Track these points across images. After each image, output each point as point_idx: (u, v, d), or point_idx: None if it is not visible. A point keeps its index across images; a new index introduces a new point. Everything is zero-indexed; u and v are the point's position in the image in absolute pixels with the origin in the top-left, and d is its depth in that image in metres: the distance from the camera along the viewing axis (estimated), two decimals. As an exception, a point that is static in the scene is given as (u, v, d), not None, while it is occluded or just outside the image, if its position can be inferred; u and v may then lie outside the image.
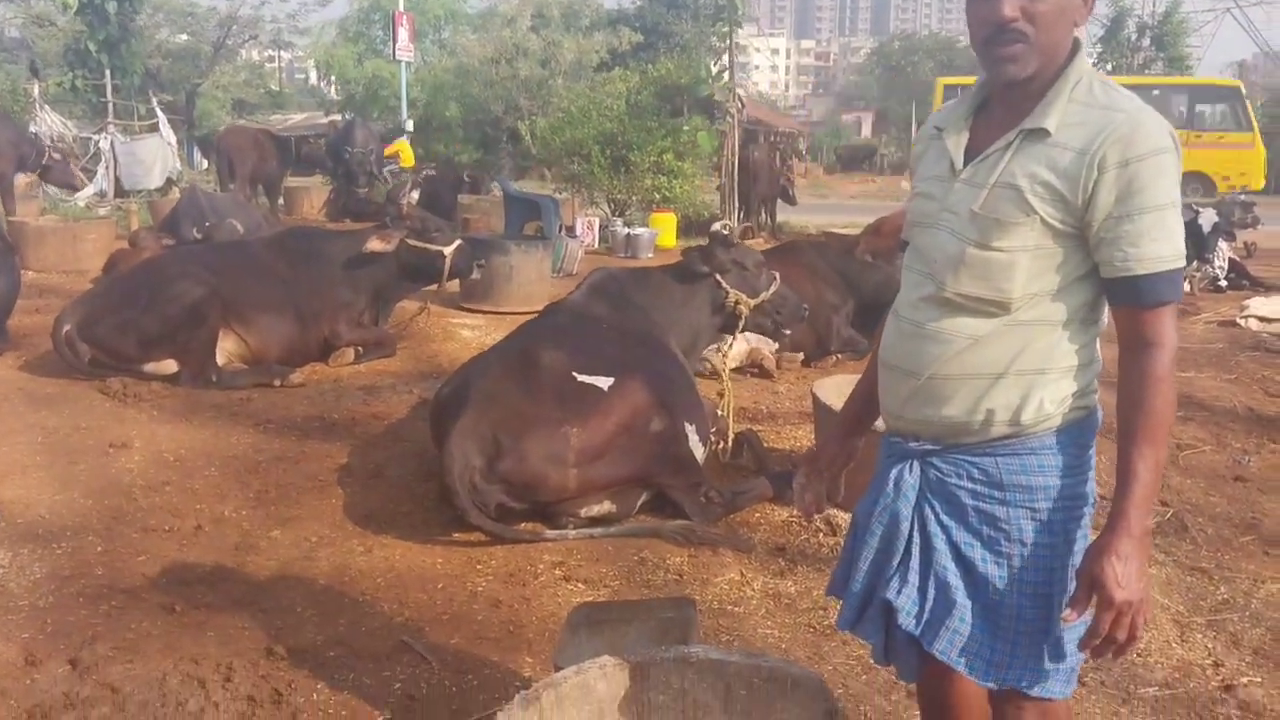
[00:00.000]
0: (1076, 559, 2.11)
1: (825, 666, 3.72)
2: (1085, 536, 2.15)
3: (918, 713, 3.44)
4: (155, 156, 20.03)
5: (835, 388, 5.38)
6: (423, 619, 3.93)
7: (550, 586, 4.23)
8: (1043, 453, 2.13)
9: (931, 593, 2.19)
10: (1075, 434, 2.15)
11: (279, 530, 4.69)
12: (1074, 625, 2.10)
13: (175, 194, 16.05)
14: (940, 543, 2.19)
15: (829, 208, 25.97)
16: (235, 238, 9.92)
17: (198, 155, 30.66)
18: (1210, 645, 3.95)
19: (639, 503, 4.87)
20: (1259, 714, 3.51)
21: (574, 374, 4.71)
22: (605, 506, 4.73)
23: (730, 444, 5.71)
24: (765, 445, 5.86)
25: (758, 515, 5.05)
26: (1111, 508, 2.00)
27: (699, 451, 5.04)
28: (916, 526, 2.22)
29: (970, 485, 2.16)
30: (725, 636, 3.87)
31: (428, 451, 5.50)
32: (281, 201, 19.12)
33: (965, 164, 2.14)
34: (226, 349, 7.16)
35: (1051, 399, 2.11)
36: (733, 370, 7.38)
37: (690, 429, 4.94)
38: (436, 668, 3.59)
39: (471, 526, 4.50)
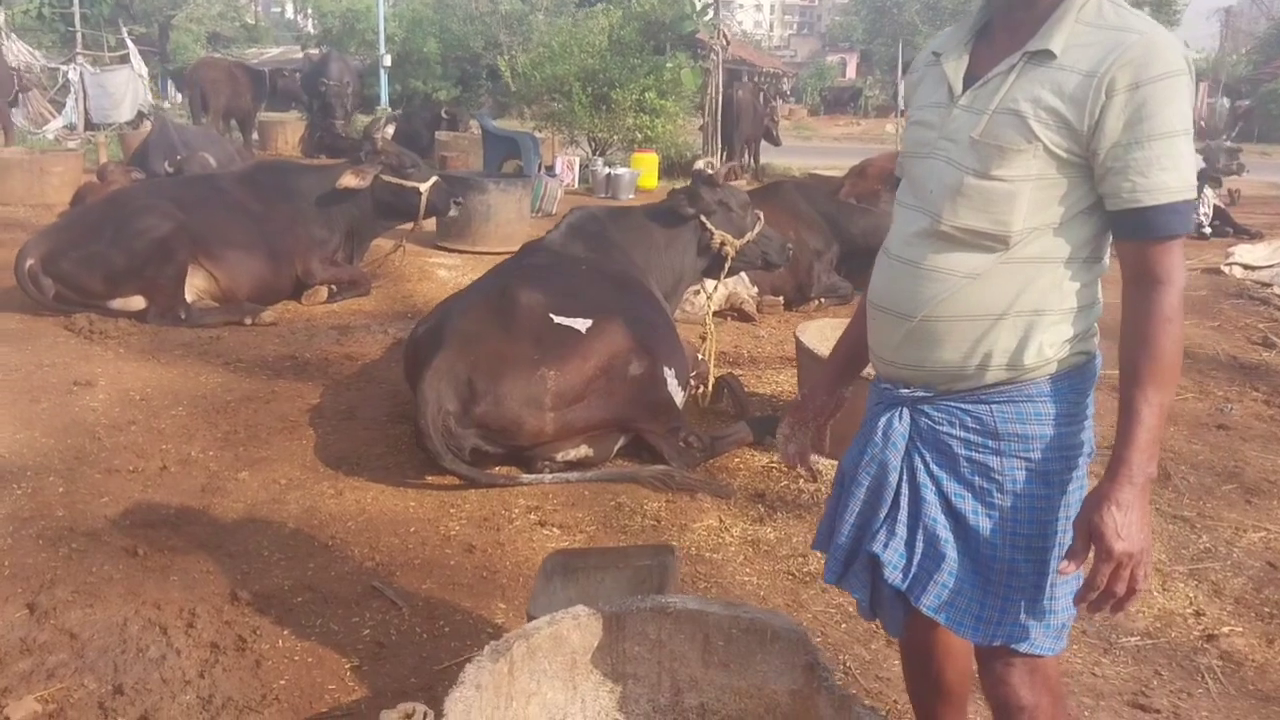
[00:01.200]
0: (1073, 511, 2.02)
1: (804, 614, 3.65)
2: (1083, 487, 2.06)
3: (899, 662, 3.41)
4: (126, 89, 19.58)
5: (819, 332, 5.28)
6: (394, 564, 3.84)
7: (525, 532, 4.14)
8: (1039, 400, 2.02)
9: (919, 546, 2.10)
10: (1074, 380, 2.05)
11: (247, 472, 4.57)
12: (1068, 579, 2.02)
13: (146, 127, 15.68)
14: (930, 494, 2.09)
15: (812, 150, 25.78)
16: (207, 172, 9.68)
17: (172, 89, 30.06)
18: (1192, 594, 3.91)
19: (616, 447, 4.78)
20: (1240, 663, 3.47)
21: (551, 316, 4.59)
22: (582, 451, 4.63)
23: (711, 388, 5.62)
24: (746, 390, 5.77)
25: (737, 461, 4.97)
26: (1112, 454, 1.90)
27: (678, 396, 4.94)
28: (905, 477, 2.12)
29: (963, 434, 2.06)
30: (703, 584, 3.80)
31: (402, 393, 5.39)
32: (256, 136, 18.75)
33: (964, 89, 2.01)
34: (196, 286, 6.99)
35: (1051, 342, 2.00)
36: (713, 314, 7.27)
37: (669, 373, 4.83)
38: (407, 614, 3.50)
39: (445, 470, 4.40)
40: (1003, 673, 2.11)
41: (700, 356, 5.69)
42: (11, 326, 6.50)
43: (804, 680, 2.46)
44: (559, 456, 4.58)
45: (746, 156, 17.96)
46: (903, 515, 2.12)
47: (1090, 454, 2.09)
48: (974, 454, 2.05)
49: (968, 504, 2.06)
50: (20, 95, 15.09)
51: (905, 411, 2.14)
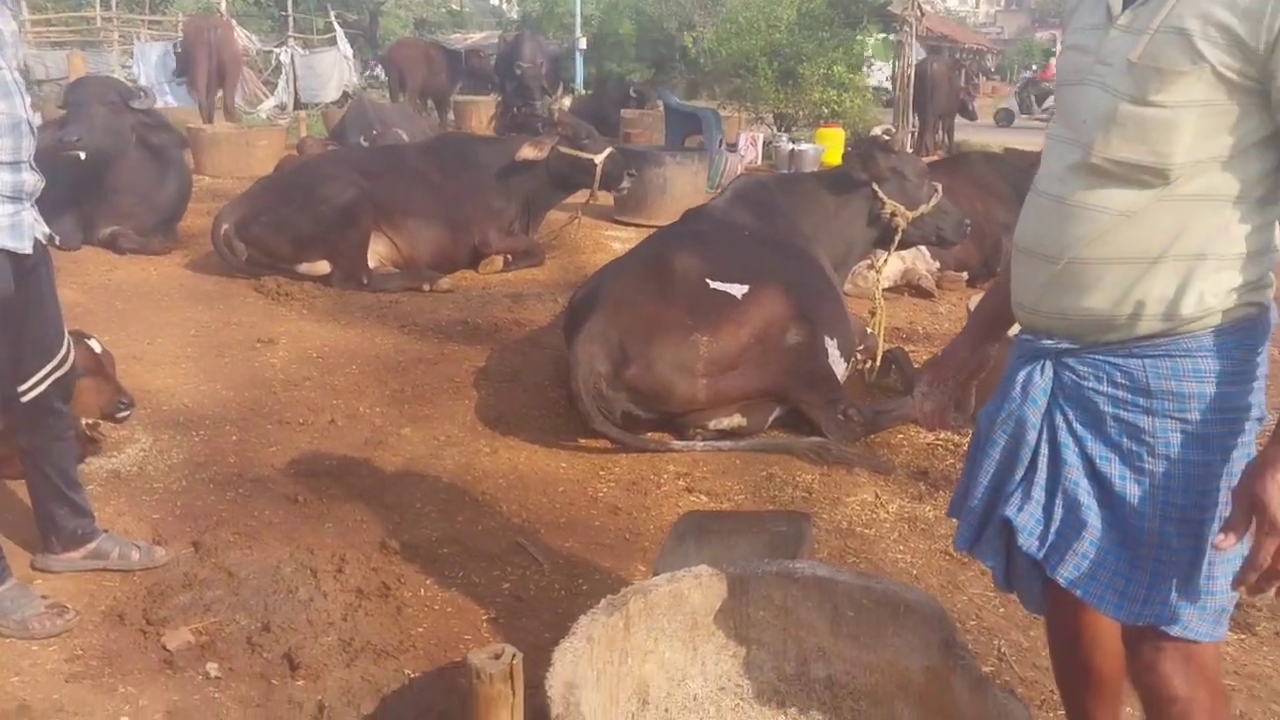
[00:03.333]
0: (1235, 481, 1.81)
1: (960, 597, 3.47)
2: (1249, 455, 1.84)
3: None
4: (332, 70, 20.51)
5: (993, 304, 4.99)
6: (540, 521, 3.85)
7: (673, 497, 4.08)
8: (1199, 355, 1.81)
9: (1058, 511, 1.92)
10: (1241, 335, 1.83)
11: (410, 428, 4.68)
12: (1229, 557, 1.81)
13: (348, 106, 16.38)
14: (1071, 455, 1.91)
15: (1015, 129, 24.68)
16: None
17: (381, 73, 31.38)
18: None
19: (771, 418, 4.66)
20: None
21: (707, 281, 4.50)
22: (735, 420, 4.54)
23: (878, 363, 5.41)
24: (915, 366, 5.53)
25: (900, 437, 4.77)
26: None
27: (840, 368, 4.77)
28: (1045, 436, 1.95)
29: (1110, 390, 1.87)
30: (852, 558, 3.65)
31: (565, 359, 5.40)
32: (451, 116, 19.31)
33: (1124, 8, 1.81)
34: (378, 252, 7.22)
35: (1214, 291, 1.79)
36: (889, 290, 7.01)
37: (831, 343, 4.67)
38: (547, 570, 3.51)
39: (598, 433, 4.38)
40: (1152, 659, 1.91)
41: (869, 330, 5.48)
42: (208, 288, 6.89)
43: (939, 658, 2.31)
44: (711, 424, 4.50)
45: (940, 132, 17.32)
46: (1040, 477, 1.95)
47: (1261, 419, 1.87)
48: (1122, 413, 1.86)
49: (1114, 468, 1.88)
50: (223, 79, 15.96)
51: (1048, 365, 1.96)
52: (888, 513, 4.03)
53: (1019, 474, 1.97)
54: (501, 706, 1.75)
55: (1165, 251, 1.79)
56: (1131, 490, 1.86)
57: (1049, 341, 1.95)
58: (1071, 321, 1.90)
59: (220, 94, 15.53)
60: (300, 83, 20.07)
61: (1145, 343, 1.84)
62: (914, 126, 15.85)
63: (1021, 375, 1.98)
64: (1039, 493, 1.94)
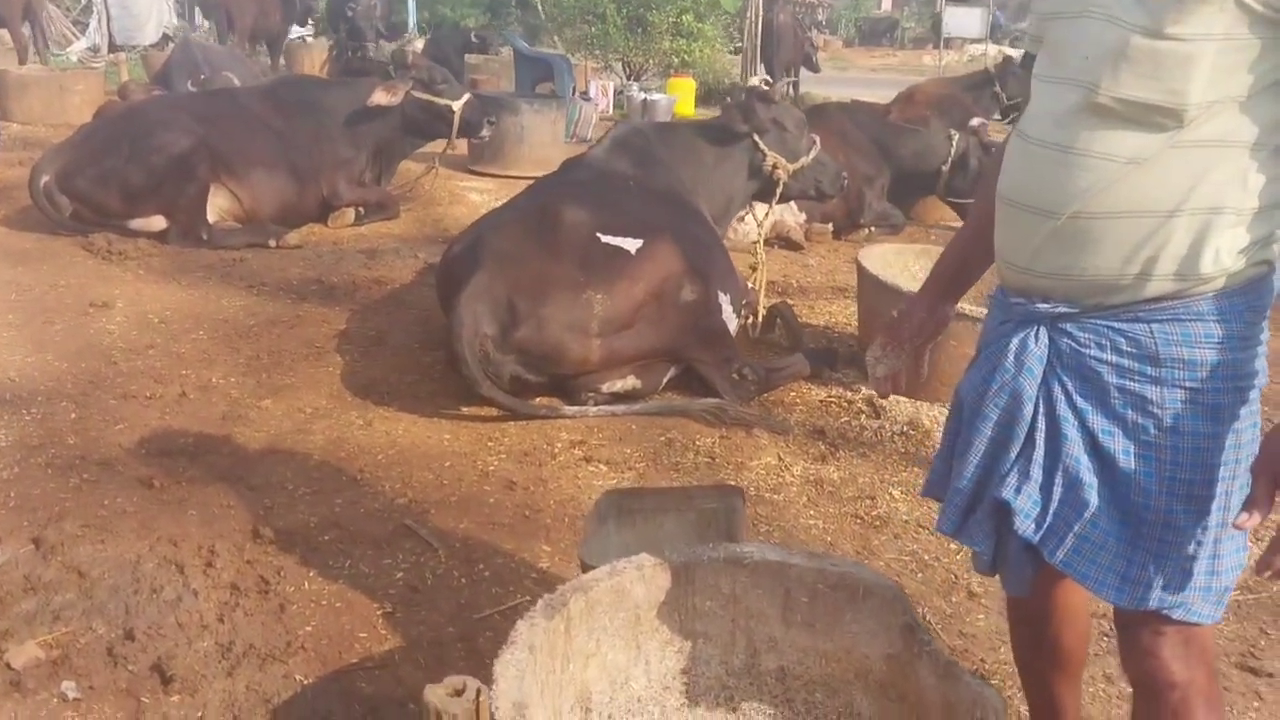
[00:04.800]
0: (1244, 454, 1.69)
1: (875, 562, 3.35)
2: (1256, 424, 1.73)
3: (982, 616, 3.11)
4: (149, 10, 19.13)
5: (882, 257, 4.92)
6: (428, 501, 3.55)
7: (569, 467, 3.84)
8: (1209, 319, 1.67)
9: (1057, 492, 1.77)
10: (1251, 296, 1.70)
11: (270, 400, 4.29)
12: (1234, 535, 1.69)
13: (170, 49, 15.27)
14: (1072, 429, 1.75)
15: (850, 81, 24.99)
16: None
17: (199, 16, 29.58)
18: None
19: (666, 378, 4.46)
20: (1355, 622, 3.15)
21: (598, 235, 4.23)
22: (630, 382, 4.31)
23: (762, 319, 5.26)
24: (799, 321, 5.41)
25: (793, 394, 4.63)
26: None
27: (731, 324, 4.60)
28: (1042, 410, 1.78)
29: (1115, 359, 1.72)
30: (765, 527, 3.50)
31: (434, 318, 5.08)
32: (283, 60, 18.28)
33: None
34: (218, 205, 6.66)
35: (1229, 248, 1.65)
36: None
37: (724, 298, 4.49)
38: (443, 555, 3.22)
39: (482, 399, 4.10)
40: (1151, 643, 1.78)
41: (750, 285, 5.33)
42: (27, 246, 6.20)
43: (901, 644, 2.15)
44: (604, 387, 4.26)
45: (786, 84, 17.36)
46: (1038, 455, 1.78)
47: (1262, 384, 1.75)
48: (1128, 383, 1.71)
49: (1118, 442, 1.73)
50: (31, 14, 14.63)
51: (1043, 331, 1.79)
52: (793, 476, 3.89)
53: (1014, 451, 1.80)
54: (465, 750, 1.49)
55: (1180, 204, 1.63)
56: (1136, 466, 1.71)
57: (1044, 305, 1.78)
58: (1072, 282, 1.74)
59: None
60: (115, 23, 18.61)
61: (1152, 305, 1.69)
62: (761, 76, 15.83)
63: (1014, 343, 1.81)
64: (1037, 471, 1.78)
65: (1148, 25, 1.60)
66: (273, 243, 6.55)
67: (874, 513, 3.65)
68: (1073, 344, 1.76)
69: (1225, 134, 1.62)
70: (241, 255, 6.32)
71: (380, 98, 7.13)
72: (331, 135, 7.21)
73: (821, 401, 4.59)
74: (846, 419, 4.42)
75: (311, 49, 17.65)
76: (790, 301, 5.83)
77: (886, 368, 2.21)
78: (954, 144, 7.59)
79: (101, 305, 5.22)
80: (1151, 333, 1.70)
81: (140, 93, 9.51)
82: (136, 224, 6.40)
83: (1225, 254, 1.65)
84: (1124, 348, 1.71)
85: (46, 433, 3.85)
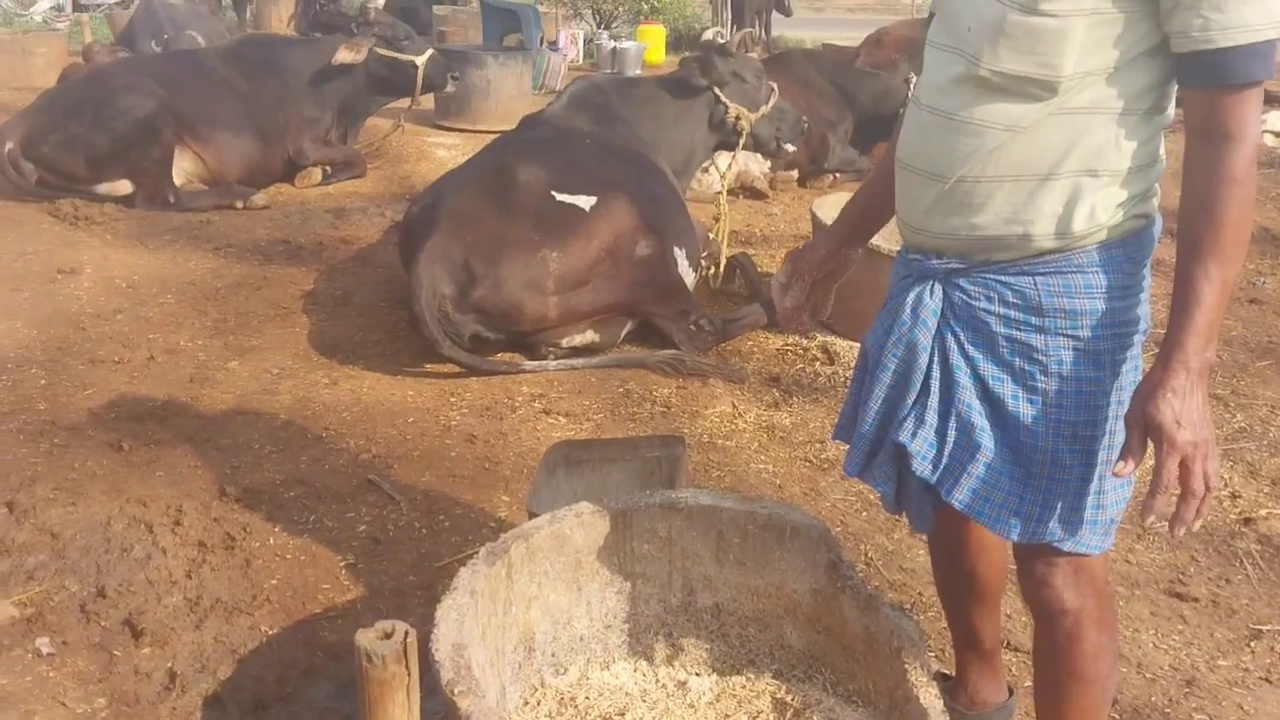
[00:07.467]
0: (1125, 396, 1.80)
1: (823, 503, 3.49)
2: (1137, 369, 1.84)
3: (924, 552, 3.25)
4: (114, -33, 18.83)
5: (837, 206, 4.99)
6: (391, 456, 3.67)
7: (529, 421, 3.96)
8: (1090, 270, 1.78)
9: (951, 435, 1.89)
10: (1130, 248, 1.80)
11: (237, 361, 4.38)
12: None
13: (135, 8, 15.10)
14: (964, 376, 1.87)
15: (826, 22, 24.92)
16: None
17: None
18: (1227, 476, 3.72)
19: (624, 332, 4.57)
20: (1279, 547, 3.30)
21: (553, 193, 4.32)
22: (588, 336, 4.42)
23: (722, 269, 5.37)
24: (759, 270, 5.51)
25: (750, 344, 4.75)
26: (1165, 336, 1.67)
27: (688, 277, 4.70)
28: (936, 359, 1.90)
29: (1002, 310, 1.83)
30: (716, 473, 3.63)
31: (399, 277, 5.15)
32: (250, 15, 18.07)
33: None
34: (184, 168, 6.69)
35: (1105, 206, 1.75)
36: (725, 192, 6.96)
37: (679, 253, 4.59)
38: (405, 508, 3.34)
39: (445, 358, 4.20)
40: (1044, 574, 1.91)
41: (711, 236, 5.42)
42: (-8, 213, 6.25)
43: (826, 579, 2.29)
44: (563, 342, 4.37)
45: (757, 28, 17.27)
46: (933, 401, 1.90)
47: (1146, 330, 1.87)
48: (1015, 332, 1.83)
49: (1006, 388, 1.85)
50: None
51: (937, 285, 1.90)
52: (746, 422, 4.02)
53: (911, 398, 1.92)
54: (396, 689, 1.61)
55: (1056, 168, 1.74)
56: (1024, 410, 1.83)
57: (937, 261, 1.89)
58: (961, 241, 1.85)
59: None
60: (79, -18, 18.37)
61: (1036, 260, 1.80)
62: (731, 23, 15.77)
63: (911, 296, 1.92)
64: (932, 416, 1.90)
65: (1024, 3, 1.69)
66: (239, 204, 6.60)
67: (823, 456, 3.78)
68: (964, 297, 1.87)
69: (1098, 102, 1.72)
70: (208, 217, 6.38)
71: (344, 56, 7.15)
72: (296, 95, 7.23)
73: (778, 350, 4.71)
74: (801, 366, 4.55)
75: (279, 3, 17.44)
76: (752, 251, 5.93)
77: (794, 299, 2.32)
78: (911, 87, 7.63)
79: (69, 271, 5.28)
80: (1035, 285, 1.81)
81: (104, 54, 9.45)
82: (102, 189, 6.43)
83: (1101, 210, 1.75)
84: (1010, 299, 1.83)
85: (17, 399, 3.94)
